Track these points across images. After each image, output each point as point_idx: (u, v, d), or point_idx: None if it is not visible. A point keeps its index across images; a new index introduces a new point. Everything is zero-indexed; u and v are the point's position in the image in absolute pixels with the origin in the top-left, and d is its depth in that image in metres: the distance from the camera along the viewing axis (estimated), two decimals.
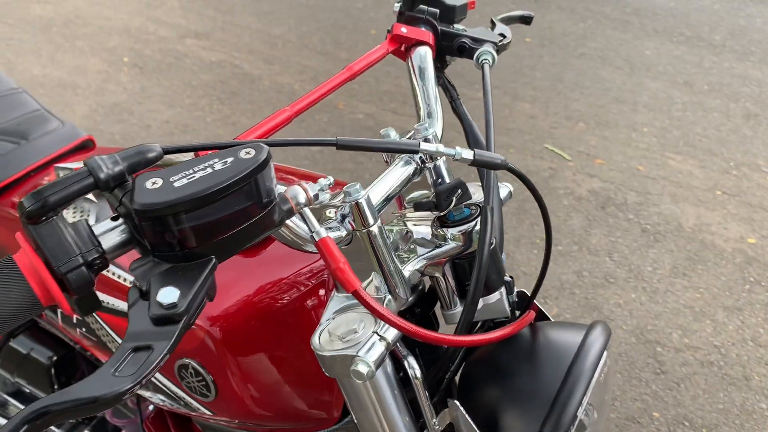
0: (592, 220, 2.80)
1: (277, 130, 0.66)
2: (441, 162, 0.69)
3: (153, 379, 0.80)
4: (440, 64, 0.90)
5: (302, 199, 0.52)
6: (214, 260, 0.47)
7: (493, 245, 0.67)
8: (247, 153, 0.47)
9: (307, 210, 0.53)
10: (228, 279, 0.75)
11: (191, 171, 0.46)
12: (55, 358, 1.02)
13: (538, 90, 3.75)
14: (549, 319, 0.78)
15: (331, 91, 0.73)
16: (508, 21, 0.95)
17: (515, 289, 0.76)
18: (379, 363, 0.57)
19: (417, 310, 0.74)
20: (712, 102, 3.67)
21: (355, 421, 0.62)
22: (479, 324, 0.74)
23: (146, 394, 0.85)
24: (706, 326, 2.32)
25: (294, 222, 0.56)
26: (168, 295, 0.44)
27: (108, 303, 0.77)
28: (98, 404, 0.42)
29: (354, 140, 0.57)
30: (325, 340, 0.59)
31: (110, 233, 0.48)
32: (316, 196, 0.53)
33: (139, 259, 0.47)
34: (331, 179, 0.55)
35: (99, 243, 0.46)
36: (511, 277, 0.70)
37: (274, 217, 0.50)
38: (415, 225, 0.69)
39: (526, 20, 0.97)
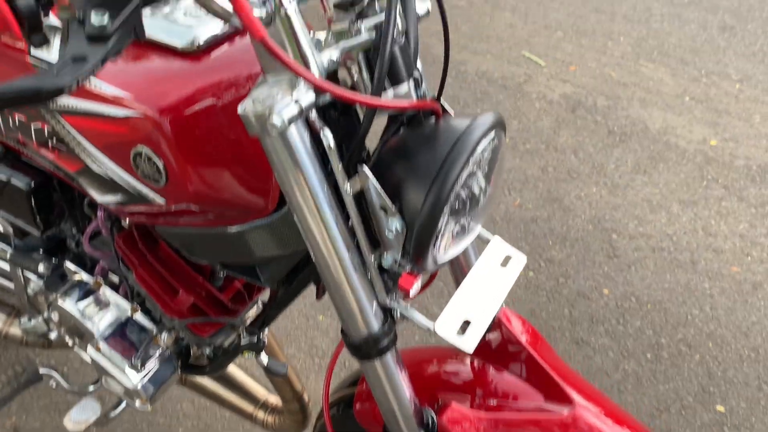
0: (561, 122, 2.90)
1: None
2: None
3: (113, 175, 0.91)
4: None
5: None
6: None
7: (401, 42, 0.77)
8: None
9: None
10: (179, 77, 0.85)
11: None
12: (33, 184, 1.13)
13: (519, 0, 3.78)
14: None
15: None
16: None
17: (425, 90, 0.86)
18: (292, 120, 0.67)
19: (336, 110, 0.83)
20: (690, 14, 3.71)
21: (277, 181, 0.74)
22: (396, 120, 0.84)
23: (108, 198, 0.96)
24: (660, 217, 2.45)
25: None
26: (100, 17, 0.54)
27: (77, 107, 0.87)
28: (42, 94, 0.51)
29: None
30: (249, 106, 0.69)
31: None
32: None
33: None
34: None
35: None
36: (420, 74, 0.80)
37: None
38: (336, 24, 0.79)
39: None
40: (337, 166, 0.74)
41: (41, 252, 1.32)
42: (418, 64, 0.85)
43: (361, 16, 0.75)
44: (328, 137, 0.73)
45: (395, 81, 0.77)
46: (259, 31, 0.60)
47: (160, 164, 0.83)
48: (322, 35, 0.80)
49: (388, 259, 0.80)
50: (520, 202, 2.49)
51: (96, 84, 0.84)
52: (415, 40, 0.81)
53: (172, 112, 0.80)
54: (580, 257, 2.28)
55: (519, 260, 0.93)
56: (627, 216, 2.45)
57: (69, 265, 1.28)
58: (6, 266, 1.37)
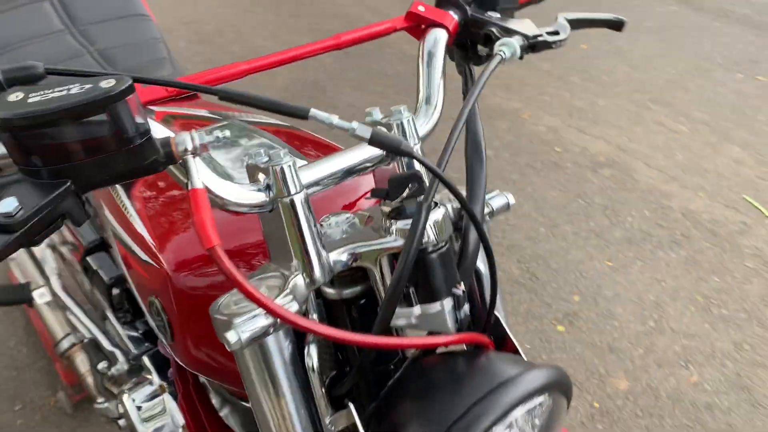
0: None
1: (226, 81, 0.65)
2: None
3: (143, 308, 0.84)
4: (471, 54, 0.82)
5: (188, 146, 0.51)
6: (69, 184, 0.48)
7: (442, 249, 0.60)
8: (108, 83, 0.47)
9: (190, 158, 0.51)
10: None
11: (50, 91, 0.46)
12: (113, 278, 1.12)
13: (755, 135, 3.29)
14: (520, 355, 0.67)
15: (305, 55, 0.70)
16: (586, 23, 0.82)
17: (489, 312, 0.67)
18: (256, 337, 0.53)
19: (361, 301, 0.68)
20: None
21: (246, 393, 0.60)
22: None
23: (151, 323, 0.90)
24: None
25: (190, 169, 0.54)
26: (7, 204, 0.45)
27: (121, 234, 0.83)
28: None
29: (239, 93, 0.54)
30: (224, 305, 0.57)
31: None
32: (204, 147, 0.51)
33: (8, 172, 0.49)
34: (228, 133, 0.53)
35: None
36: (464, 291, 0.62)
37: (144, 156, 0.49)
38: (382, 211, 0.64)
39: (615, 26, 0.83)
40: (320, 394, 0.58)
41: (137, 333, 1.32)
42: (480, 266, 0.67)
43: (397, 214, 0.60)
44: (312, 357, 0.58)
45: (428, 298, 0.60)
46: (211, 241, 0.48)
47: (165, 320, 0.74)
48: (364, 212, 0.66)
49: None
50: (698, 380, 2.07)
51: (134, 217, 0.78)
52: (476, 244, 0.63)
53: (184, 273, 0.71)
54: None
55: None
56: None
57: (146, 360, 1.25)
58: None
